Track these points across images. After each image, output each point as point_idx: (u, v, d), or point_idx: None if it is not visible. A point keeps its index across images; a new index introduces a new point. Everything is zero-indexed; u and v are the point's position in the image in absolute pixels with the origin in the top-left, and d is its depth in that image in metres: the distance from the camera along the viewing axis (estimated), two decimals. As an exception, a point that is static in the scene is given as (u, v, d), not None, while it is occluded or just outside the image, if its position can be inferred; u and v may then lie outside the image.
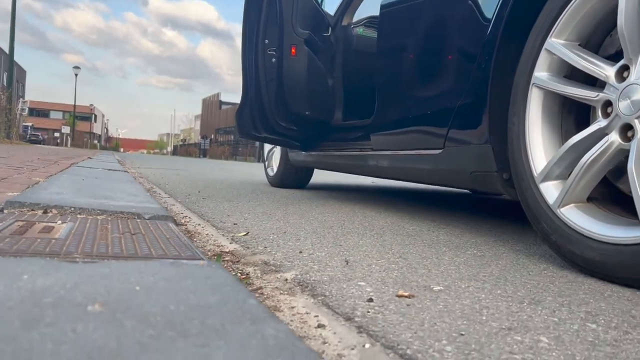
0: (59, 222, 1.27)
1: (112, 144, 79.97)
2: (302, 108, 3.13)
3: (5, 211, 1.39)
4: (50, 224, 1.22)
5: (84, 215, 1.43)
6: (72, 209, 1.46)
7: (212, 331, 0.49)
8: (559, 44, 1.41)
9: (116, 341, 0.45)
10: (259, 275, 1.20)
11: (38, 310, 0.51)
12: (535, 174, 1.46)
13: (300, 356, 0.44)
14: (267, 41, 2.99)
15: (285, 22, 2.98)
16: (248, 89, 3.12)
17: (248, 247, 1.51)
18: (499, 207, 3.46)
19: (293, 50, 3.00)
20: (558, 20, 1.40)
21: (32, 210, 1.43)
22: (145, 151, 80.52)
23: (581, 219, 1.33)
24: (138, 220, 1.46)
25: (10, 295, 0.56)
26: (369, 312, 0.95)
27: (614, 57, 1.37)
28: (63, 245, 0.95)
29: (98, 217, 1.42)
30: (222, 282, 0.73)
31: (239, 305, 0.59)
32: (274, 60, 3.00)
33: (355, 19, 3.56)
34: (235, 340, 0.48)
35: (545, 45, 1.44)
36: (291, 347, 0.46)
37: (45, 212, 1.42)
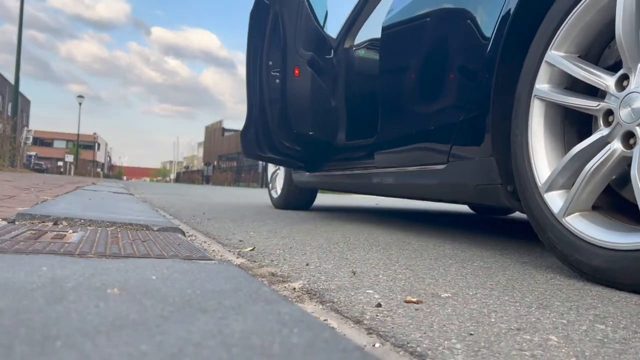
0: (70, 231, 1.29)
1: (115, 172, 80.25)
2: (305, 128, 3.16)
3: (17, 222, 1.41)
4: (61, 233, 1.24)
5: (94, 227, 1.45)
6: (82, 220, 1.48)
7: (230, 309, 0.50)
8: (559, 56, 1.45)
9: (138, 314, 0.46)
10: (266, 285, 1.21)
11: (60, 292, 0.53)
12: (539, 184, 1.48)
13: (316, 327, 0.45)
14: (270, 62, 3.05)
15: (288, 44, 3.04)
16: (252, 109, 3.16)
17: (255, 261, 1.51)
18: (504, 225, 3.46)
19: (296, 71, 3.05)
20: (557, 33, 1.44)
21: (43, 222, 1.45)
22: (148, 179, 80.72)
23: (587, 227, 1.34)
24: (147, 231, 1.48)
25: (31, 280, 0.57)
26: (377, 315, 0.95)
27: (614, 67, 1.39)
28: (77, 248, 0.97)
29: (108, 229, 1.44)
30: (235, 275, 0.74)
31: (254, 291, 0.60)
32: (277, 81, 3.05)
33: (356, 41, 3.63)
34: (252, 315, 0.49)
35: (546, 58, 1.47)
36: (307, 320, 0.47)
37: (55, 223, 1.44)
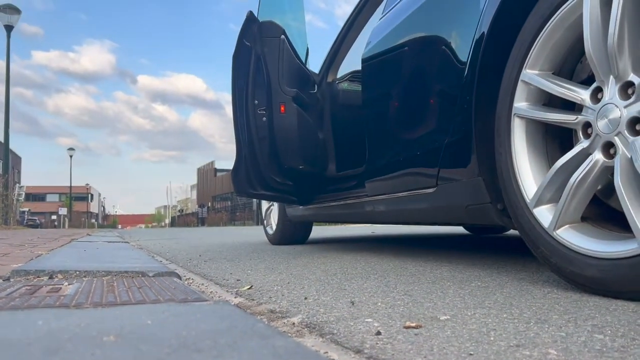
0: (66, 283, 1.29)
1: (109, 222, 79.81)
2: (295, 163, 3.20)
3: (12, 280, 1.40)
4: (57, 286, 1.24)
5: (89, 278, 1.45)
6: (77, 272, 1.48)
7: (225, 346, 0.51)
8: (533, 74, 1.49)
9: (134, 359, 0.47)
10: (265, 323, 1.20)
11: (56, 343, 0.53)
12: (527, 200, 1.50)
13: (310, 357, 0.46)
14: (256, 102, 3.10)
15: (272, 82, 3.11)
16: (241, 148, 3.20)
17: (253, 299, 1.51)
18: (500, 243, 3.47)
19: (282, 108, 3.11)
20: (530, 53, 1.48)
21: (38, 276, 1.45)
22: (143, 225, 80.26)
23: (578, 239, 1.35)
24: (143, 277, 1.48)
25: (27, 335, 0.58)
26: (377, 343, 0.95)
27: (587, 81, 1.44)
28: (72, 299, 0.97)
29: (103, 278, 1.44)
30: (230, 313, 0.75)
31: (249, 327, 0.60)
32: (264, 119, 3.10)
33: (339, 75, 3.70)
34: (247, 351, 0.49)
35: (521, 77, 1.51)
36: (301, 352, 0.48)
37: (50, 277, 1.44)
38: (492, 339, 0.95)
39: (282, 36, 3.21)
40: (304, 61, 3.46)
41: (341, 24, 3.61)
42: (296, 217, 3.80)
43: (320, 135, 3.37)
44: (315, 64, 3.74)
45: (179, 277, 1.66)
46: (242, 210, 33.13)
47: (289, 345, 0.52)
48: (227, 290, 1.68)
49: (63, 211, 45.30)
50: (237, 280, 1.95)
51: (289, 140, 3.16)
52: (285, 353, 0.49)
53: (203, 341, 0.55)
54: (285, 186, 3.28)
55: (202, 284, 1.83)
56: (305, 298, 1.47)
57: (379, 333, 1.02)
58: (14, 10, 15.87)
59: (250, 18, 3.13)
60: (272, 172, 3.19)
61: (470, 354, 0.85)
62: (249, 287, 1.75)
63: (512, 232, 4.51)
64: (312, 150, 3.28)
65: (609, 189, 1.41)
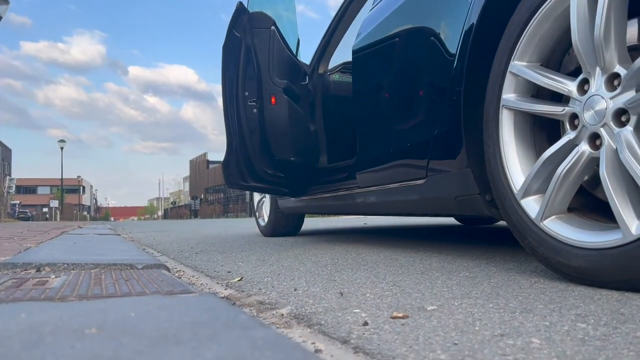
0: (53, 276, 1.28)
1: (102, 214, 79.53)
2: (286, 155, 3.20)
3: (-1, 272, 1.40)
4: (44, 279, 1.24)
5: (77, 270, 1.45)
6: (65, 265, 1.48)
7: (205, 338, 0.51)
8: (522, 66, 1.49)
9: (113, 351, 0.47)
10: (254, 314, 1.21)
11: (37, 336, 0.53)
12: (515, 191, 1.51)
13: (289, 348, 0.46)
14: (247, 93, 3.09)
15: (262, 73, 3.10)
16: (232, 140, 3.19)
17: (243, 291, 1.51)
18: (490, 234, 3.49)
19: (273, 100, 3.10)
20: (518, 44, 1.49)
21: (25, 269, 1.44)
22: (135, 218, 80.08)
23: (564, 229, 1.37)
24: (131, 270, 1.48)
25: (9, 328, 0.58)
26: (364, 334, 0.96)
27: (574, 73, 1.44)
28: (58, 292, 0.97)
29: (91, 271, 1.43)
30: (215, 305, 0.75)
31: (231, 319, 0.61)
32: (255, 110, 3.09)
33: (330, 66, 3.69)
34: (226, 342, 0.50)
35: (509, 69, 1.52)
36: (280, 343, 0.48)
37: (38, 270, 1.44)
38: (477, 328, 0.96)
39: (273, 27, 3.19)
40: (295, 52, 3.45)
41: (333, 14, 3.59)
42: (288, 208, 3.81)
43: (311, 127, 3.36)
44: (306, 55, 3.73)
45: (168, 270, 1.66)
46: (235, 203, 33.14)
47: (269, 336, 0.53)
48: (217, 282, 1.69)
49: (54, 203, 45.08)
50: (228, 272, 1.95)
51: (280, 131, 3.15)
52: (265, 344, 0.49)
53: (184, 333, 0.55)
54: (277, 178, 3.28)
55: (193, 276, 1.83)
56: (295, 289, 1.48)
57: (366, 323, 1.03)
58: (2, 0, 15.68)
59: (240, 9, 3.11)
60: (263, 164, 3.19)
61: (455, 344, 0.86)
62: (239, 278, 1.75)
63: (502, 223, 4.53)
64: (303, 142, 3.28)
65: (595, 180, 1.42)
